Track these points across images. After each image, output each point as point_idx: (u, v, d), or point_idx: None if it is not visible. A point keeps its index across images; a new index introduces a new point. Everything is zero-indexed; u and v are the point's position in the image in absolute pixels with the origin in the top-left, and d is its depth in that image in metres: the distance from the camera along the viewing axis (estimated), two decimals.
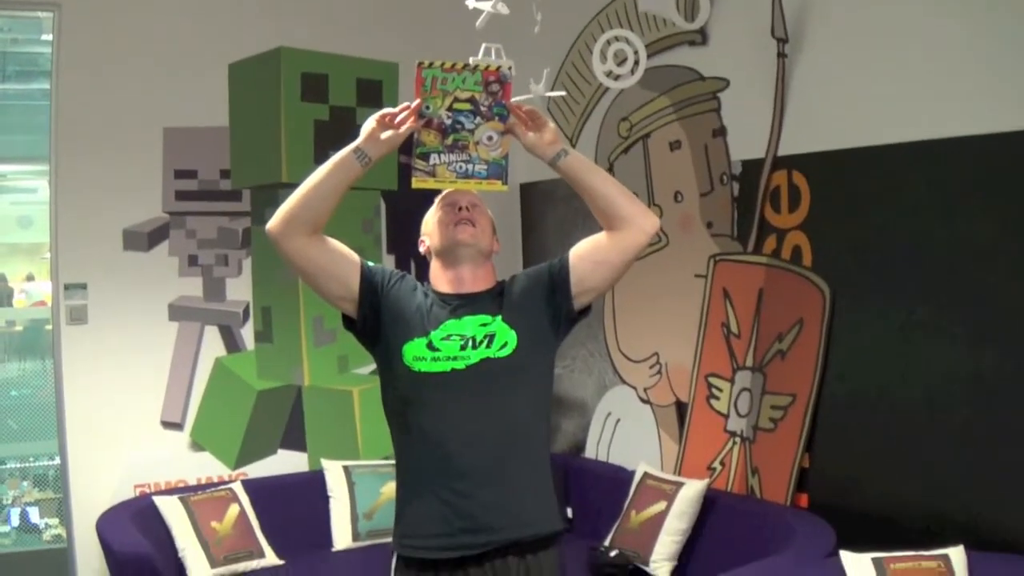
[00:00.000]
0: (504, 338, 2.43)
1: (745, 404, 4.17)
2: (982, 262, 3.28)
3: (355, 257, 2.48)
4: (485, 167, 2.45)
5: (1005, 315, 3.23)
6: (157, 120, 4.77)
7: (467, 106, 2.40)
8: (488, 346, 2.42)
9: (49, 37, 4.62)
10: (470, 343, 2.42)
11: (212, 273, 4.98)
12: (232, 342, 5.02)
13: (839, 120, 3.74)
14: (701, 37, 4.35)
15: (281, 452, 5.06)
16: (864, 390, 3.68)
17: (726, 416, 4.28)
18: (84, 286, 4.57)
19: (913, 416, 3.49)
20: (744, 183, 4.23)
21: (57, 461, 4.93)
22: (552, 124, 2.41)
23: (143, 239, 4.79)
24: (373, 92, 5.33)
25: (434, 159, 2.43)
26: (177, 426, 4.83)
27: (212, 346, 4.95)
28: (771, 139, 4.05)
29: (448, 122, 2.40)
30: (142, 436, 4.72)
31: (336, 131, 5.13)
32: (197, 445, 4.88)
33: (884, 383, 3.61)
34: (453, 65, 2.39)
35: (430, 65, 2.38)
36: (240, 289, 5.03)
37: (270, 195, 5.00)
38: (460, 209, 2.52)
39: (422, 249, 2.62)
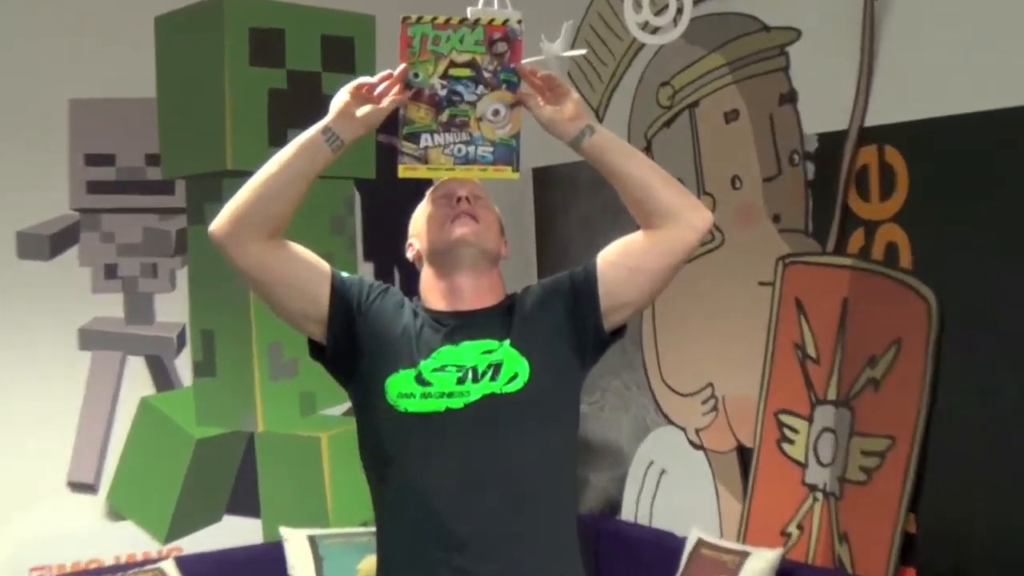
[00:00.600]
0: (513, 368, 2.44)
1: (828, 449, 4.23)
2: None
3: (324, 266, 2.51)
4: (491, 149, 2.47)
5: None
6: (60, 90, 4.80)
7: (466, 72, 2.43)
8: (493, 379, 2.43)
9: None
10: (470, 375, 2.43)
11: (136, 287, 5.01)
12: (163, 377, 5.06)
13: (946, 80, 3.83)
14: None
15: (227, 519, 5.10)
16: (986, 429, 3.71)
17: (803, 465, 4.33)
18: None
19: None
20: (821, 163, 4.29)
21: None
22: (575, 94, 2.42)
23: (44, 244, 4.81)
24: (343, 53, 5.39)
25: (426, 140, 2.45)
26: (90, 488, 4.84)
27: (136, 382, 4.98)
28: (856, 105, 4.12)
29: (443, 93, 2.42)
30: (42, 502, 4.70)
31: (296, 103, 5.20)
32: (116, 513, 4.90)
33: (1012, 419, 3.64)
34: (447, 20, 2.40)
35: (417, 20, 2.40)
36: (173, 308, 5.07)
37: (212, 187, 5.03)
38: (458, 201, 2.54)
39: (410, 254, 2.65)
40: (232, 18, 5.09)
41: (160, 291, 5.06)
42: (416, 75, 2.41)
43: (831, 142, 4.22)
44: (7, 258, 4.71)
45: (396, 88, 2.35)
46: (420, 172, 2.47)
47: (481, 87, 2.43)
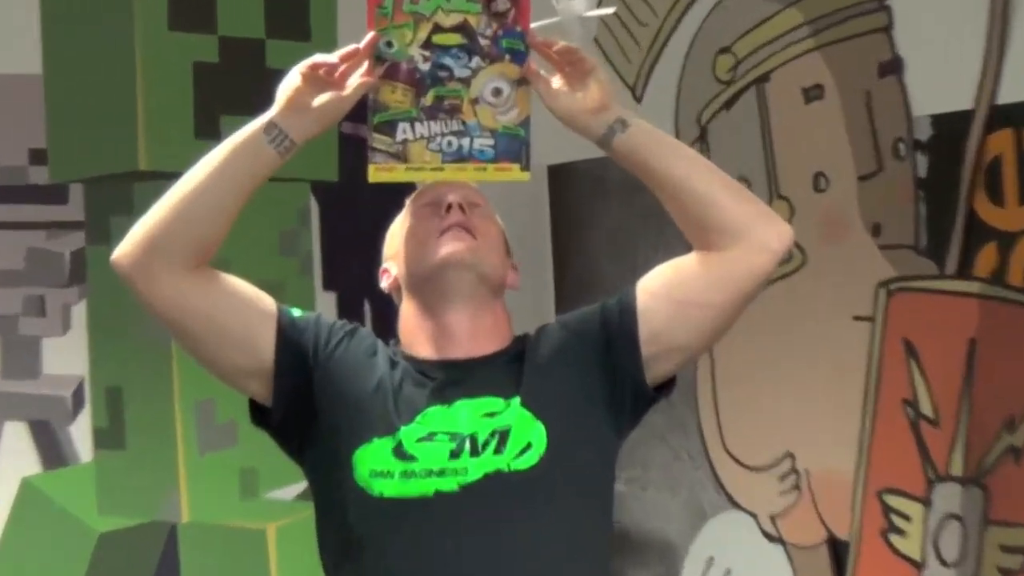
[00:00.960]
0: (525, 436, 2.43)
1: (953, 543, 4.16)
2: None
3: (268, 303, 2.53)
4: (491, 142, 2.48)
5: None
6: None
7: (456, 39, 2.45)
8: (498, 451, 2.43)
9: None
10: (467, 446, 2.42)
11: (16, 329, 4.98)
12: (53, 450, 5.01)
13: None
14: None
15: None
16: None
17: (920, 565, 4.25)
18: None
19: None
20: (937, 155, 4.24)
21: None
22: (602, 73, 2.41)
23: None
24: (294, 15, 5.38)
25: (404, 131, 2.47)
26: None
27: (16, 457, 4.95)
28: (985, 77, 4.07)
29: (425, 68, 2.45)
30: None
31: (232, 82, 5.19)
32: None
33: None
34: None
35: None
36: (67, 357, 5.04)
37: (120, 194, 4.97)
38: (448, 209, 2.55)
39: (384, 283, 2.70)
40: None
41: (49, 334, 5.05)
42: (389, 44, 2.44)
43: (951, 126, 4.18)
44: None
45: (365, 67, 2.36)
46: (397, 174, 2.50)
47: (476, 59, 2.46)
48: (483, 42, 2.44)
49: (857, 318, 4.46)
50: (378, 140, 2.46)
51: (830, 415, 4.54)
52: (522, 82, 2.45)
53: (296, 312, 2.55)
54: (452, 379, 2.51)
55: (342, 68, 2.36)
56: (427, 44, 2.43)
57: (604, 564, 2.58)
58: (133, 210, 4.50)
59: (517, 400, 2.47)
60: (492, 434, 2.44)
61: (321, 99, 2.37)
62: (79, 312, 5.06)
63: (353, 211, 5.40)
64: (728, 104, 4.90)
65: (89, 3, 5.02)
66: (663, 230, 4.40)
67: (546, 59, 2.41)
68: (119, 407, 5.09)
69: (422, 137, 2.47)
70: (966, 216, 4.17)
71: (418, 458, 2.42)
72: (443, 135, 2.47)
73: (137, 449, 5.11)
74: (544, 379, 2.52)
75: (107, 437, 5.08)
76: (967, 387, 4.16)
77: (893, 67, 4.37)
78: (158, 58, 5.07)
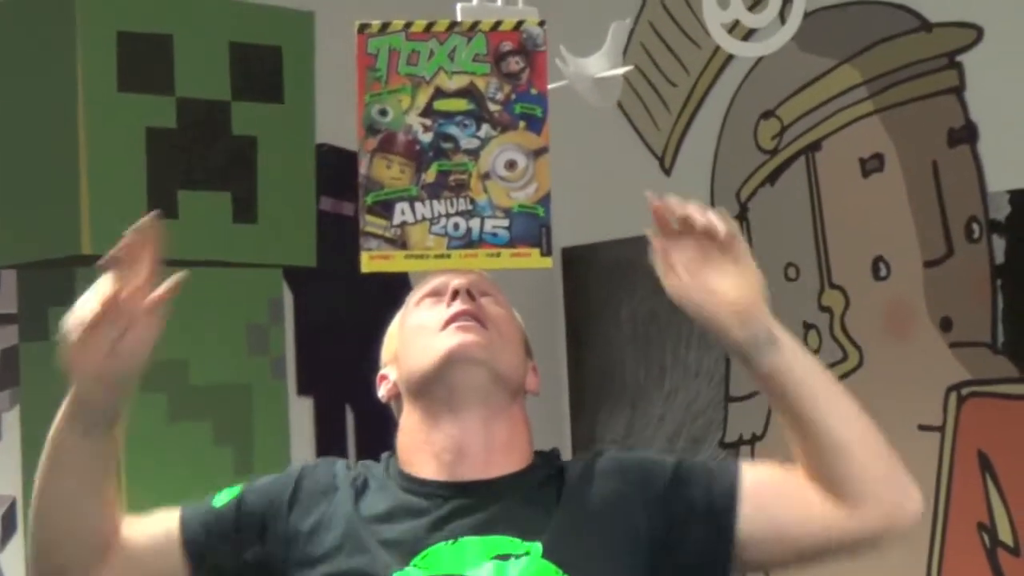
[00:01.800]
0: None
1: None
2: None
3: (168, 539, 2.36)
4: (505, 223, 2.34)
5: None
6: None
7: (462, 104, 2.33)
8: None
9: None
10: None
11: None
12: None
13: None
14: None
15: None
16: None
17: None
18: None
19: None
20: (1017, 237, 4.22)
21: None
22: (751, 260, 2.21)
23: None
24: (265, 69, 5.07)
25: (402, 212, 2.34)
26: None
27: None
28: None
29: (426, 139, 2.32)
30: None
31: (192, 150, 4.92)
32: None
33: None
34: (428, 26, 2.34)
35: (382, 29, 2.33)
36: None
37: (59, 282, 4.66)
38: (454, 297, 2.34)
39: (383, 392, 2.47)
40: (89, 16, 4.72)
41: None
42: (383, 112, 2.33)
43: None
44: None
45: (147, 273, 2.13)
46: (396, 263, 2.37)
47: (486, 127, 2.34)
48: (493, 108, 2.31)
49: (923, 427, 4.40)
50: (372, 223, 2.31)
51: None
52: (540, 153, 2.31)
53: (225, 498, 2.37)
54: (459, 508, 2.28)
55: (128, 289, 2.11)
56: (428, 111, 2.31)
57: None
58: (74, 300, 4.19)
59: (539, 548, 2.22)
60: None
61: (120, 345, 2.15)
62: (11, 420, 4.82)
63: (334, 303, 5.21)
64: (772, 177, 4.79)
65: (26, 60, 4.78)
66: (696, 341, 4.58)
67: (663, 230, 2.19)
68: None
69: (424, 219, 2.32)
70: None
71: None
72: (448, 216, 2.31)
73: None
74: (581, 531, 2.26)
75: None
76: None
77: (965, 135, 4.31)
78: (106, 123, 4.71)
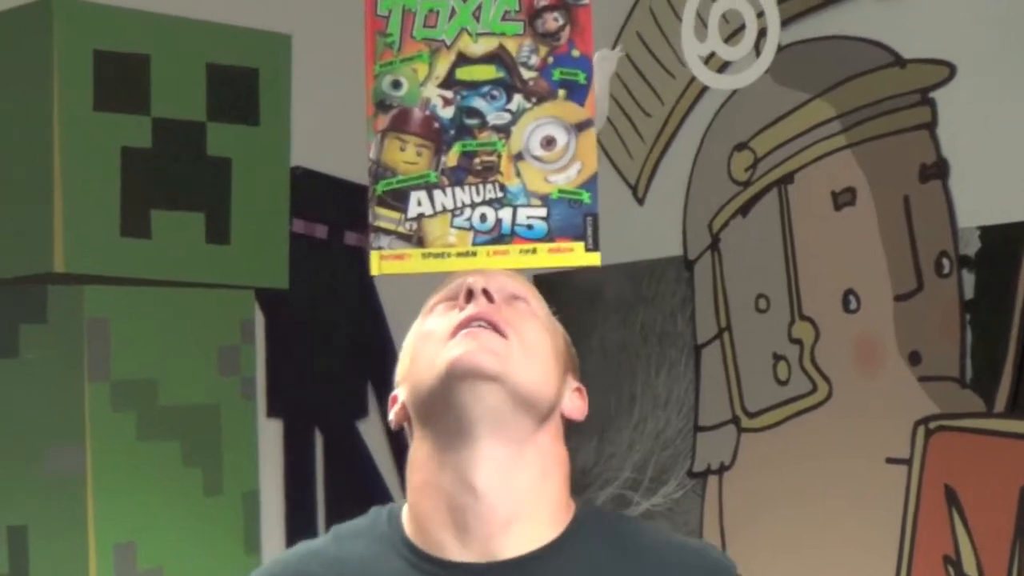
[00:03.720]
0: None
1: None
2: None
3: None
4: (542, 212, 2.16)
5: None
6: None
7: (489, 72, 2.17)
8: None
9: None
10: None
11: None
12: None
13: None
14: None
15: None
16: None
17: None
18: None
19: None
20: (987, 273, 4.13)
21: None
22: None
23: None
24: (241, 91, 5.11)
25: (419, 203, 2.17)
26: None
27: None
28: None
29: (447, 114, 2.16)
30: None
31: (167, 171, 4.92)
32: None
33: None
34: None
35: None
36: None
37: (31, 299, 4.72)
38: (470, 297, 2.07)
39: (391, 418, 2.21)
40: (65, 34, 4.74)
41: None
42: (396, 84, 2.19)
43: (1003, 240, 4.09)
44: None
45: None
46: (411, 264, 2.19)
47: (518, 98, 2.17)
48: (527, 74, 2.15)
49: (891, 460, 4.32)
50: (382, 217, 2.15)
51: (859, 569, 4.45)
52: (583, 127, 2.14)
53: None
54: None
55: None
56: (449, 81, 2.15)
57: None
58: (47, 318, 4.86)
59: None
60: None
61: None
62: None
63: (306, 325, 5.21)
64: (745, 209, 4.73)
65: (1, 76, 4.85)
66: (665, 352, 4.61)
67: None
68: (23, 549, 4.74)
69: (444, 210, 2.14)
70: (1020, 344, 4.06)
71: None
72: (474, 206, 2.14)
73: None
74: None
75: None
76: (1018, 543, 4.01)
77: (937, 171, 4.25)
78: (80, 141, 4.73)
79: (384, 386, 5.19)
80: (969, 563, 4.07)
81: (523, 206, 2.14)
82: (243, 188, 5.22)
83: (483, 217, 2.14)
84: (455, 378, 1.99)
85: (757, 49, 3.73)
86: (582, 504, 2.15)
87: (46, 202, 4.74)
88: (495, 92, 2.14)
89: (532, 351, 2.06)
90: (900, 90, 4.28)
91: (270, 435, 5.20)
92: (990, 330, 4.10)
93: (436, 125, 2.15)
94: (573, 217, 2.15)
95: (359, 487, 5.50)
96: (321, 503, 5.51)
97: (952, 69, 4.16)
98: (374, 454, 5.55)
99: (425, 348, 2.08)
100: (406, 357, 2.15)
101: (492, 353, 2.00)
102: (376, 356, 5.42)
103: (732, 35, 3.79)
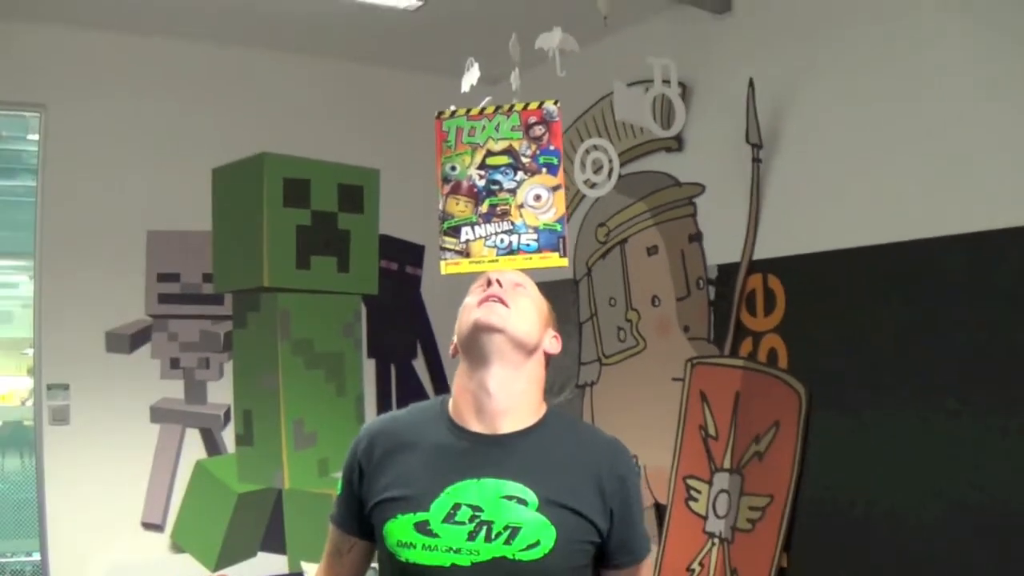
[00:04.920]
0: (536, 534, 2.01)
1: (723, 506, 4.44)
2: (965, 368, 3.53)
3: (348, 542, 2.20)
4: (534, 236, 2.17)
5: (984, 420, 3.48)
6: (141, 223, 5.33)
7: (504, 160, 2.17)
8: (508, 542, 1.99)
9: (35, 137, 5.15)
10: (483, 533, 2.01)
11: (194, 376, 5.27)
12: (213, 445, 5.35)
13: (813, 223, 4.20)
14: (677, 144, 4.82)
15: (261, 555, 5.32)
16: (840, 493, 4.06)
17: (704, 518, 4.57)
18: (66, 387, 4.95)
19: (888, 521, 3.80)
20: (720, 287, 4.55)
21: (36, 557, 5.21)
22: None
23: (125, 341, 5.19)
24: (354, 197, 5.63)
25: (467, 233, 2.17)
26: (158, 527, 5.21)
27: (193, 449, 5.36)
28: (746, 243, 4.39)
29: (481, 184, 2.17)
30: (123, 536, 5.15)
31: (318, 236, 5.51)
32: (177, 547, 5.24)
33: (859, 487, 3.97)
34: (482, 110, 2.20)
35: (452, 114, 2.23)
36: (221, 392, 5.36)
37: (252, 299, 5.43)
38: (489, 284, 2.14)
39: (451, 351, 2.22)
40: (270, 170, 5.35)
41: (211, 379, 5.24)
42: (453, 168, 2.17)
43: (728, 271, 4.43)
44: (97, 351, 5.17)
45: None
46: (463, 267, 2.22)
47: (520, 173, 2.16)
48: (525, 160, 2.10)
49: (675, 379, 4.65)
50: (447, 242, 2.13)
51: (658, 433, 4.72)
52: (556, 188, 2.14)
53: (340, 494, 2.19)
54: (484, 455, 2.01)
55: None
56: (482, 165, 2.11)
57: None
58: (260, 308, 5.06)
59: (536, 500, 1.96)
60: (505, 527, 1.92)
61: None
62: (228, 367, 5.27)
63: (386, 312, 5.56)
64: (604, 256, 4.98)
65: (238, 189, 5.21)
66: (564, 326, 4.38)
67: None
68: (250, 421, 5.22)
69: (480, 237, 2.10)
70: (735, 322, 4.33)
71: (440, 536, 1.94)
72: (497, 234, 2.11)
73: (260, 446, 5.24)
74: (572, 490, 2.00)
75: (243, 439, 5.21)
76: (734, 419, 4.29)
77: (697, 237, 4.54)
78: (276, 222, 5.28)
79: (426, 343, 5.67)
80: (711, 427, 4.22)
81: (524, 233, 2.09)
82: (356, 245, 5.41)
83: (502, 240, 2.09)
84: (478, 330, 2.02)
85: (609, 176, 3.85)
86: (550, 407, 2.15)
87: (259, 251, 5.24)
88: (508, 171, 2.08)
89: (523, 315, 2.06)
90: (678, 197, 4.44)
91: (369, 367, 5.54)
92: (721, 314, 4.27)
93: (475, 190, 2.09)
94: (552, 239, 2.12)
95: (411, 394, 5.49)
96: (394, 402, 5.47)
97: (703, 187, 4.30)
98: (419, 377, 5.56)
99: (464, 313, 2.09)
100: (459, 319, 2.11)
101: (499, 316, 2.02)
102: (422, 328, 5.65)
103: (597, 169, 3.91)
